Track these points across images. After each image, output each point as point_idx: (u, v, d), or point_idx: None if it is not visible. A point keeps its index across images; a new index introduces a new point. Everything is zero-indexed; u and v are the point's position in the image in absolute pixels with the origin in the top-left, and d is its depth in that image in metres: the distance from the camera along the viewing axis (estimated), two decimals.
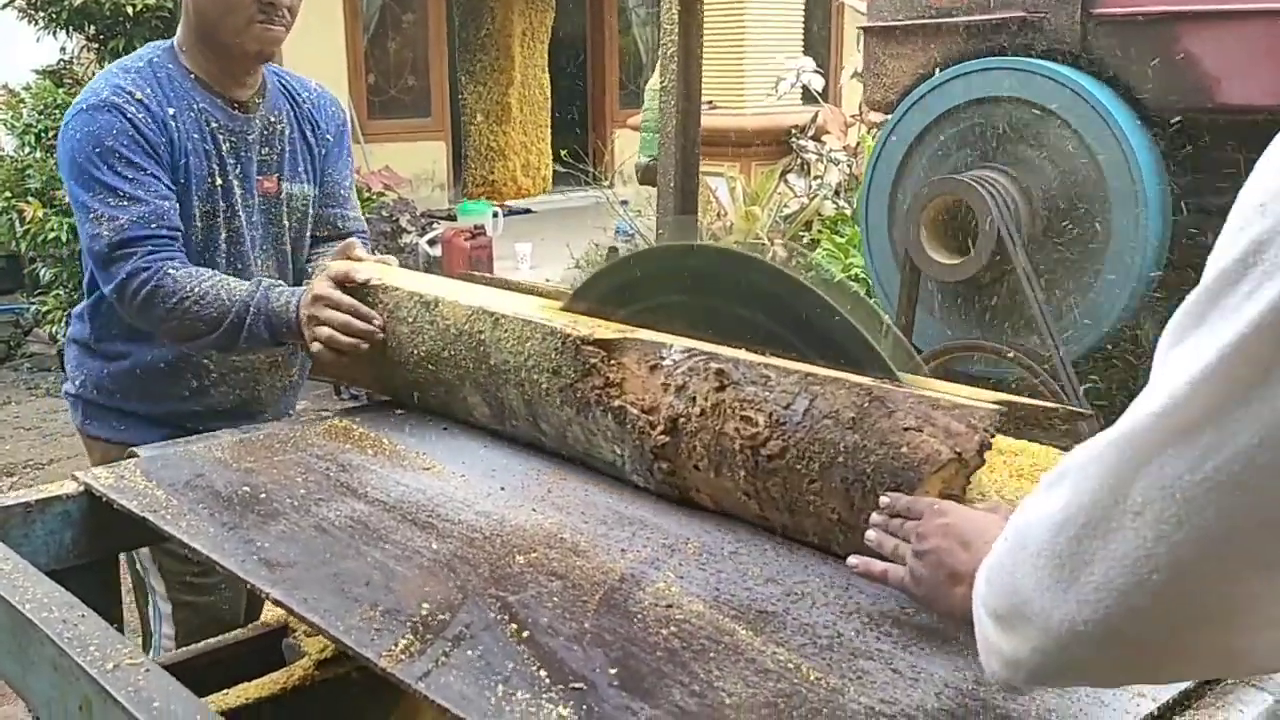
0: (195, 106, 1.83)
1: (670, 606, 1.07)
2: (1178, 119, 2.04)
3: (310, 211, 2.00)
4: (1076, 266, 2.08)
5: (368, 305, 1.69)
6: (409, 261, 6.95)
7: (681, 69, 2.15)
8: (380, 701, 1.53)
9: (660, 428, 1.28)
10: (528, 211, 9.59)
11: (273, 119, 1.92)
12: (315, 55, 8.88)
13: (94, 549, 1.40)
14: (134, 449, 1.49)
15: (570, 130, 10.79)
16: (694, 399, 1.26)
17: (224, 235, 1.87)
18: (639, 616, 1.05)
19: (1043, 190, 2.08)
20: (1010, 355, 1.97)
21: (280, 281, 1.86)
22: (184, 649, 1.70)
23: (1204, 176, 2.07)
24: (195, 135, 1.83)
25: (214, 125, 1.85)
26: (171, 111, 1.81)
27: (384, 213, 7.24)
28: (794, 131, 6.23)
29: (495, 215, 7.24)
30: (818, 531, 1.18)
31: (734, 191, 5.94)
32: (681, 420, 1.27)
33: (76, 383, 1.98)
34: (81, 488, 1.39)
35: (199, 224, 1.84)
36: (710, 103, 7.12)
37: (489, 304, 1.55)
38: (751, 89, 7.24)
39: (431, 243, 6.73)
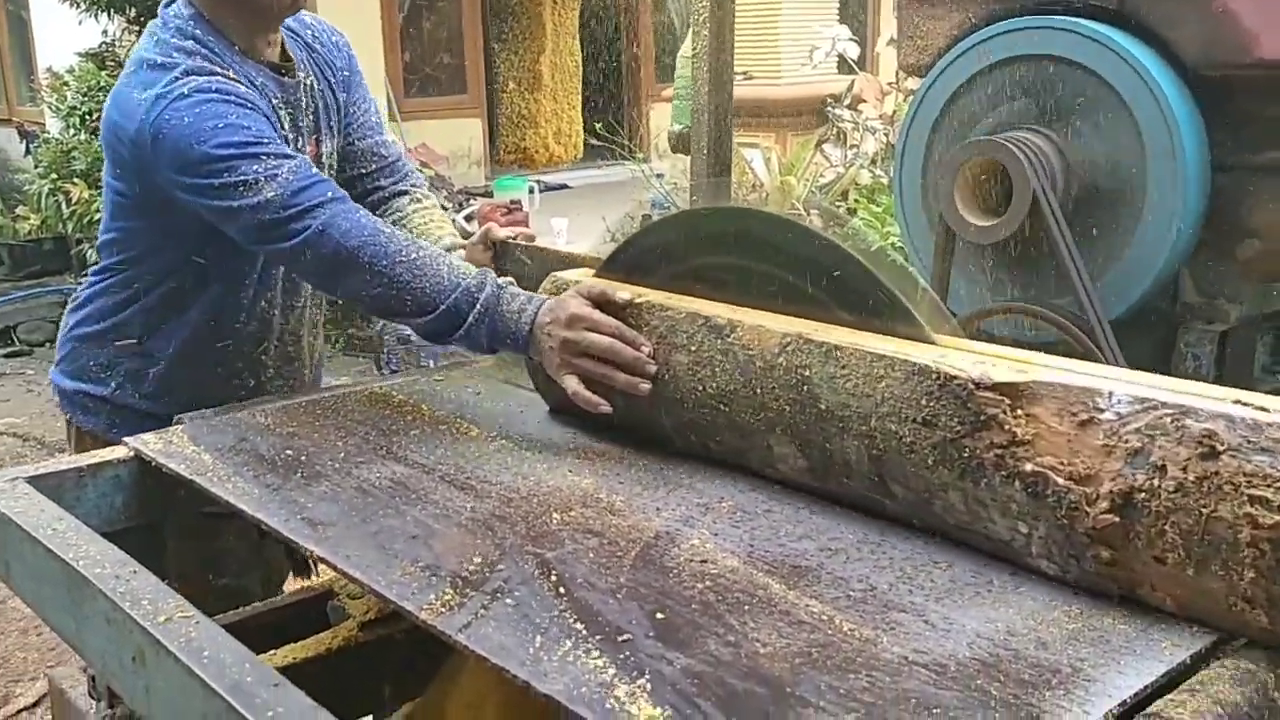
0: (256, 82, 1.66)
1: (705, 562, 1.08)
2: (1217, 75, 2.00)
3: (335, 164, 1.85)
4: (1114, 227, 2.05)
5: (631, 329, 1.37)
6: None
7: (714, 34, 2.14)
8: (423, 662, 1.56)
9: (1103, 504, 0.97)
10: (564, 187, 9.61)
11: (307, 79, 1.76)
12: (350, 35, 8.90)
13: (143, 512, 1.44)
14: (179, 415, 1.52)
15: (606, 104, 10.78)
16: (1161, 468, 0.95)
17: None
18: (674, 571, 1.06)
19: (1079, 150, 2.05)
20: (1047, 317, 1.96)
21: (512, 281, 1.53)
22: (232, 611, 1.74)
23: (1244, 134, 2.04)
24: (270, 115, 1.65)
25: (276, 101, 1.69)
26: (244, 88, 1.62)
27: None
28: (830, 100, 6.17)
29: (531, 191, 7.27)
30: None
31: (769, 163, 5.92)
32: (1141, 496, 0.95)
33: (97, 382, 1.80)
34: (131, 453, 1.43)
35: None
36: (745, 73, 7.08)
37: (810, 331, 1.22)
38: (787, 59, 7.19)
39: (468, 219, 6.77)
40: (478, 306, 1.45)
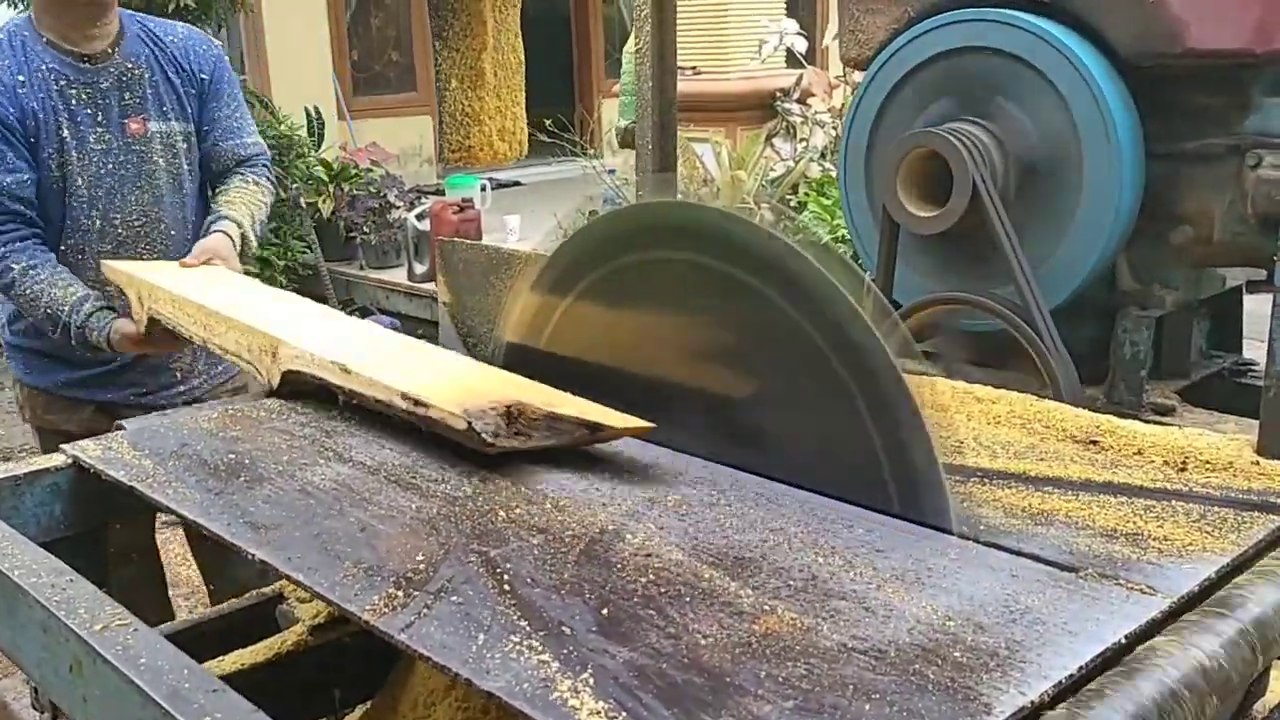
0: (45, 68, 2.09)
1: (649, 556, 1.09)
2: (1149, 65, 2.04)
3: (188, 146, 2.25)
4: (1052, 216, 2.09)
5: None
6: (399, 237, 6.95)
7: (656, 29, 2.15)
8: (374, 665, 1.56)
9: None
10: (516, 184, 9.57)
11: (129, 64, 2.16)
12: (298, 34, 8.86)
13: (83, 520, 1.42)
14: (121, 421, 1.51)
15: (557, 100, 10.75)
16: None
17: (83, 181, 2.13)
18: (618, 566, 1.07)
19: (1017, 141, 2.09)
20: (988, 307, 1.99)
21: (104, 307, 2.09)
22: (179, 620, 1.73)
23: (1176, 123, 2.08)
24: (42, 95, 2.08)
25: (63, 83, 2.11)
26: (21, 78, 2.07)
27: (372, 189, 7.23)
28: (779, 95, 6.21)
29: (484, 188, 7.23)
30: None
31: (720, 157, 5.94)
32: None
33: (12, 330, 2.27)
34: (70, 460, 1.41)
35: (56, 173, 2.10)
36: (694, 68, 7.10)
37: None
38: (735, 53, 7.22)
39: (420, 217, 6.73)
40: (73, 332, 2.05)
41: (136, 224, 2.23)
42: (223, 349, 1.66)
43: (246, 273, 2.17)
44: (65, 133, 2.11)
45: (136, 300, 1.92)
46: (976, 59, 2.11)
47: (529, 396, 1.32)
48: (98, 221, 2.18)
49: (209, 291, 1.82)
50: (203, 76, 2.25)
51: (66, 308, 2.04)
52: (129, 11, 2.23)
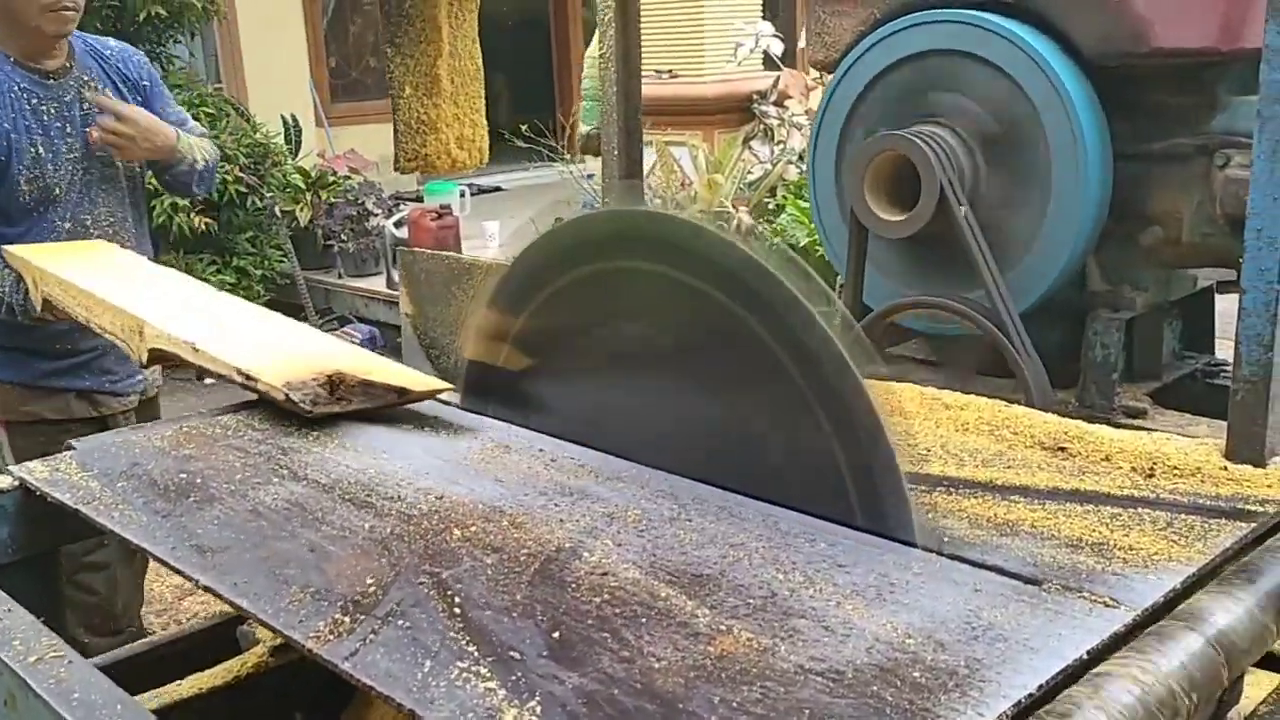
0: (17, 88, 2.26)
1: (606, 574, 1.06)
2: (1114, 65, 2.03)
3: None
4: (1021, 218, 2.07)
5: None
6: (377, 245, 6.91)
7: (620, 31, 2.13)
8: (336, 687, 1.52)
9: None
10: (497, 189, 9.54)
11: (85, 78, 2.37)
12: (274, 40, 8.81)
13: (31, 544, 1.39)
14: (71, 441, 1.48)
15: (537, 105, 10.72)
16: None
17: (61, 186, 2.31)
18: (573, 586, 1.04)
19: (984, 143, 2.07)
20: (958, 310, 1.97)
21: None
22: (137, 643, 1.69)
23: (1143, 123, 2.07)
24: (14, 115, 2.25)
25: (34, 100, 2.28)
26: None
27: (350, 196, 7.19)
28: (755, 97, 6.20)
29: (463, 195, 7.19)
30: None
31: (697, 160, 5.92)
32: None
33: None
34: (16, 482, 1.38)
35: (32, 185, 2.27)
36: (670, 71, 7.08)
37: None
38: (711, 56, 7.20)
39: (398, 224, 6.69)
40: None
41: (105, 224, 2.42)
42: (101, 328, 1.86)
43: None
44: (40, 149, 2.28)
45: (32, 284, 2.13)
46: (942, 61, 2.09)
47: (349, 365, 1.53)
48: (69, 224, 2.36)
49: (92, 274, 2.02)
50: (144, 84, 2.49)
51: (7, 286, 2.20)
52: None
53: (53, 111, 2.31)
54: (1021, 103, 2.00)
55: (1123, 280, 2.14)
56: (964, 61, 2.06)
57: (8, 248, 2.23)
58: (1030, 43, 1.98)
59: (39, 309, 2.13)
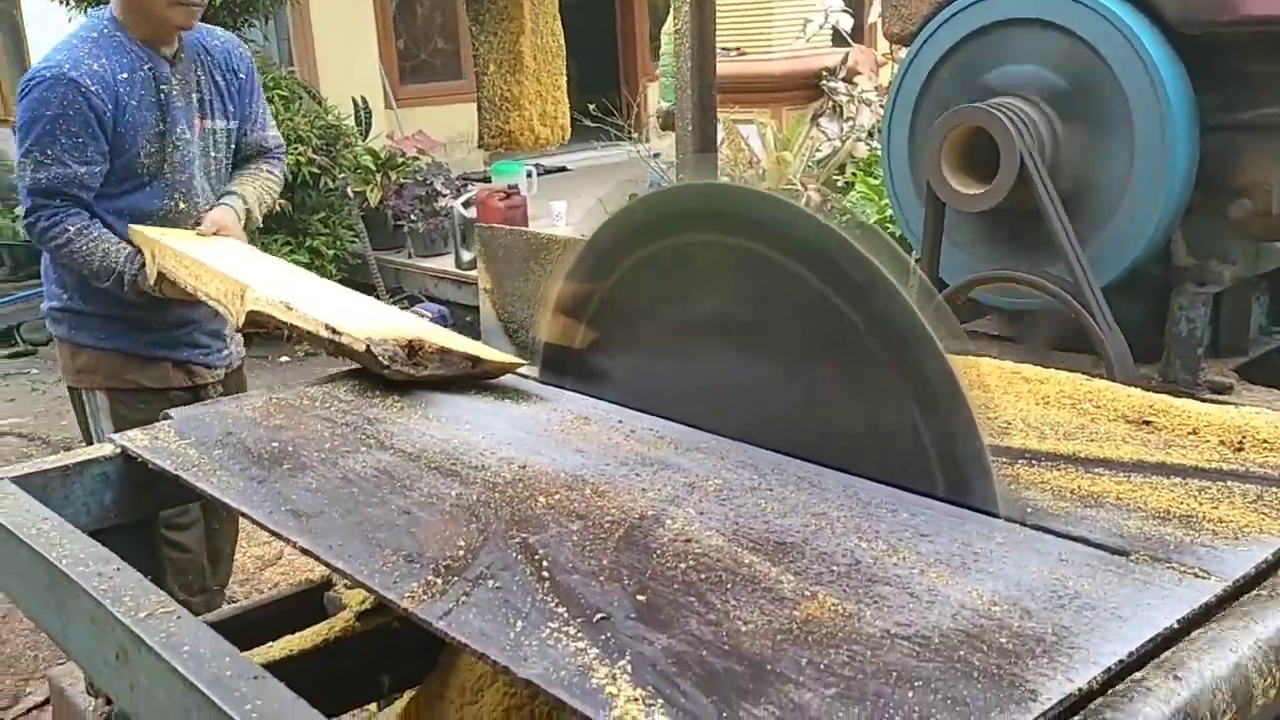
0: (145, 67, 2.39)
1: (689, 541, 1.08)
2: (1200, 33, 1.98)
3: (228, 140, 2.61)
4: (1102, 191, 2.04)
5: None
6: (446, 225, 6.99)
7: (695, 8, 2.12)
8: (422, 650, 1.56)
9: None
10: (563, 169, 9.57)
11: (194, 65, 2.51)
12: (344, 24, 8.93)
13: (133, 508, 1.44)
14: (167, 410, 1.53)
15: (603, 84, 10.73)
16: None
17: (168, 165, 2.46)
18: (658, 552, 1.06)
19: (1066, 115, 2.03)
20: (1038, 284, 1.95)
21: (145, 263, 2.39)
22: (229, 608, 1.75)
23: (1231, 93, 2.01)
24: (143, 91, 2.38)
25: (160, 82, 2.41)
26: (124, 76, 2.34)
27: (419, 177, 7.27)
28: (824, 74, 6.13)
29: (529, 175, 7.24)
30: None
31: (765, 138, 5.89)
32: None
33: (63, 299, 2.55)
34: (118, 449, 1.43)
35: (151, 159, 2.41)
36: (738, 49, 7.04)
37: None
38: (779, 33, 7.14)
39: (466, 205, 6.75)
40: (125, 280, 2.39)
41: (204, 207, 2.57)
42: (207, 295, 2.05)
43: (252, 242, 2.61)
44: (162, 126, 2.42)
45: (150, 257, 2.34)
46: (1022, 31, 2.06)
47: (427, 335, 1.59)
48: (181, 204, 2.53)
49: (205, 251, 2.25)
50: (242, 76, 2.61)
51: (122, 258, 2.37)
52: None
53: (174, 93, 2.45)
54: (1103, 72, 1.97)
55: (1210, 254, 2.09)
56: (1044, 31, 2.02)
57: (135, 226, 2.42)
58: (1113, 9, 1.94)
59: (151, 281, 2.32)
